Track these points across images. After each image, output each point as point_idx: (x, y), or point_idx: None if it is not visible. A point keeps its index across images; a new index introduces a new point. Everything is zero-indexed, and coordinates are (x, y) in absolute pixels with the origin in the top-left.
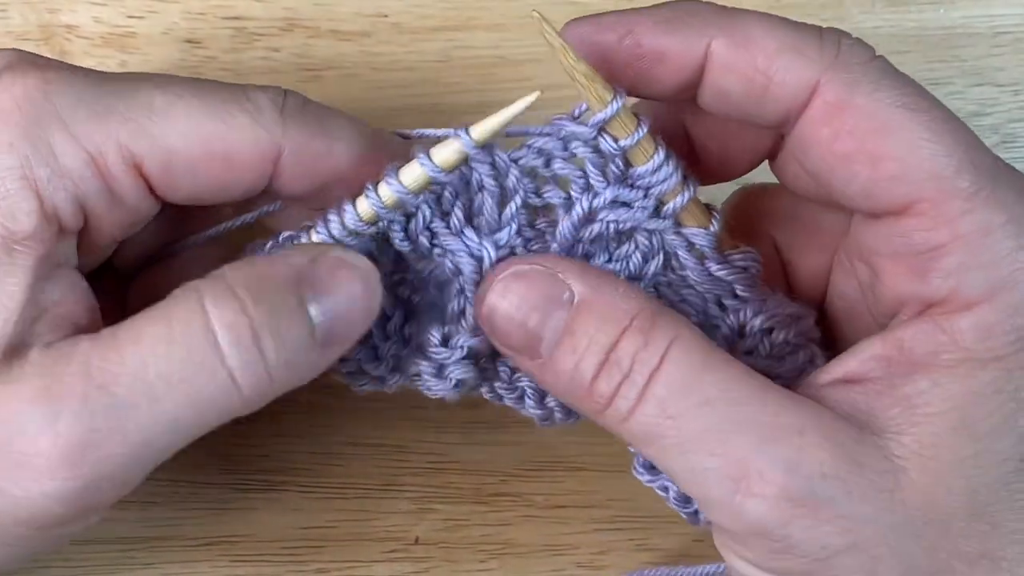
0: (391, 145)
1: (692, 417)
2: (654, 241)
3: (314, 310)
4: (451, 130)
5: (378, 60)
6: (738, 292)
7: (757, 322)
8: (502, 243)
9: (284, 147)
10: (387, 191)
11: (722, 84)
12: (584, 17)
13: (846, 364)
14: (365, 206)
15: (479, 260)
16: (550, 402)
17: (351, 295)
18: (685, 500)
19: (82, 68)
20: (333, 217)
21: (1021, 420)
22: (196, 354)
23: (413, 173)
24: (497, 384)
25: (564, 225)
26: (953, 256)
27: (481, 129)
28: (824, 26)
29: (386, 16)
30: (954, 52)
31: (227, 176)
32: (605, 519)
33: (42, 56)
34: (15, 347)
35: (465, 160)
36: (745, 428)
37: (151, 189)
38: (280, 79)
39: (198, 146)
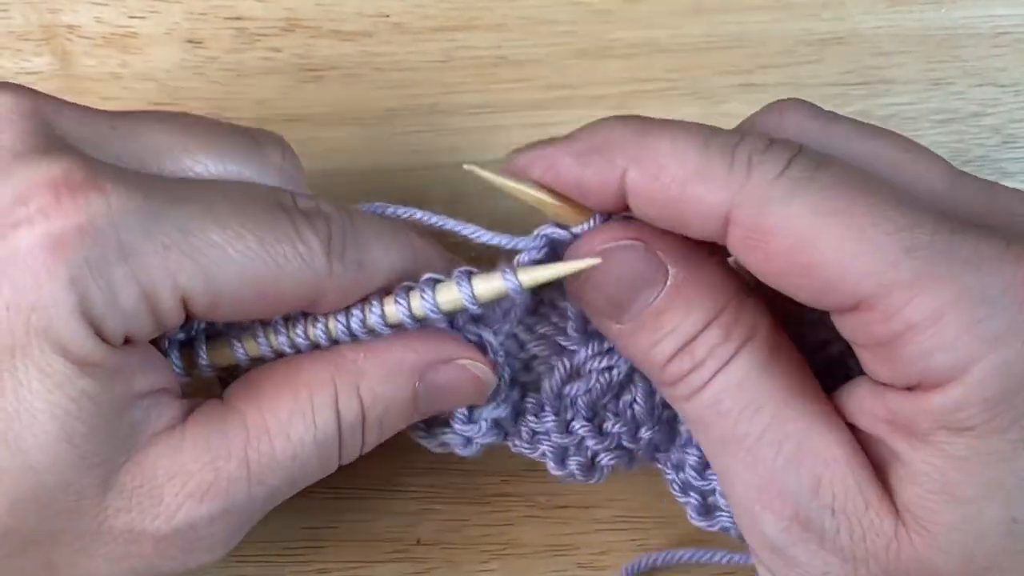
0: (432, 262)
1: (739, 419)
2: None
3: (424, 404)
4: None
5: (379, 60)
6: None
7: None
8: (501, 335)
9: (327, 287)
10: (418, 306)
11: (643, 210)
12: (517, 151)
13: (853, 411)
14: (393, 312)
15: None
16: (571, 464)
17: (463, 399)
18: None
19: (137, 181)
20: (356, 313)
21: (1008, 480)
22: (328, 451)
23: (450, 296)
24: (518, 442)
25: (553, 380)
26: (912, 345)
27: (531, 277)
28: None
29: (387, 16)
30: (955, 52)
31: (268, 309)
32: (606, 519)
33: (95, 161)
34: (129, 438)
35: (504, 297)
36: (781, 445)
37: (189, 311)
38: (281, 79)
39: (249, 288)
